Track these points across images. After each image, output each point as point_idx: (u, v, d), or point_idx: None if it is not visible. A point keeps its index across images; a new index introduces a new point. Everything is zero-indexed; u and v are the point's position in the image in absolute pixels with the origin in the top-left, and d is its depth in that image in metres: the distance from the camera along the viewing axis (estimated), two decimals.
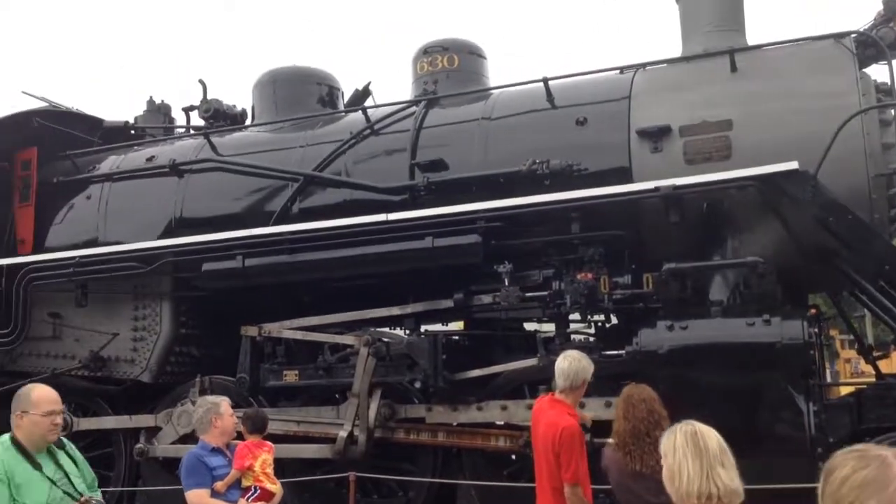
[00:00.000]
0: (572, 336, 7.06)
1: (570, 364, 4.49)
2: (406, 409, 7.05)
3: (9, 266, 8.15)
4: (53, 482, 3.73)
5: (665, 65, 6.87)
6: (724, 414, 5.48)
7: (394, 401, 7.04)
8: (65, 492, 3.75)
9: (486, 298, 6.74)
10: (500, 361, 6.81)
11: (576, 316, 6.79)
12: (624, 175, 6.38)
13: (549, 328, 7.17)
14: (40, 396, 3.83)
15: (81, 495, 3.79)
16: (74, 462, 3.96)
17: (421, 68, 7.81)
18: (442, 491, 7.11)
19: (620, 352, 6.24)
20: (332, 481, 7.25)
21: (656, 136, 6.31)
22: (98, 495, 4.00)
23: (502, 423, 6.82)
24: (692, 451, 2.55)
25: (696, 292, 6.06)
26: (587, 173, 6.44)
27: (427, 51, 7.84)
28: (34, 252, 8.31)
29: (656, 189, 6.06)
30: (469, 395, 6.84)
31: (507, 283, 6.47)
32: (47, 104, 9.31)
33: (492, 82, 7.82)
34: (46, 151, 8.59)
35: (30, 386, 3.94)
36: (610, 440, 4.25)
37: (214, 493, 4.99)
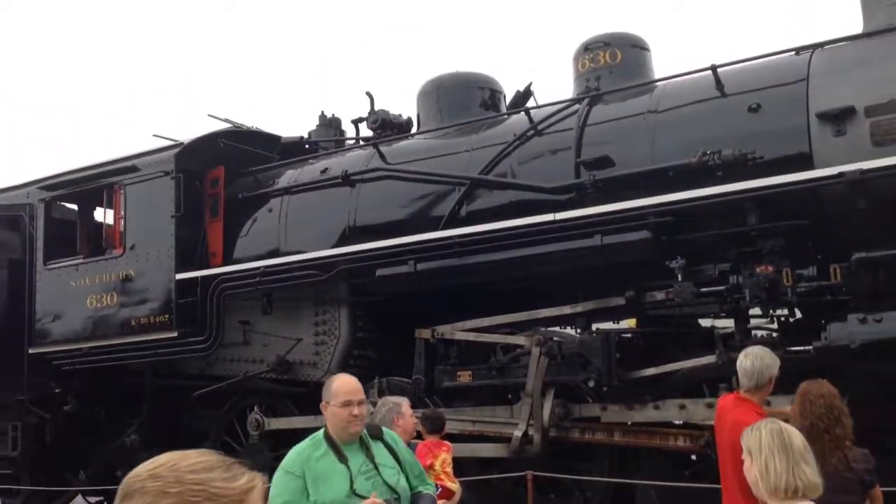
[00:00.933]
0: (753, 332, 6.77)
1: (753, 363, 4.32)
2: (580, 409, 7.02)
3: (203, 277, 8.77)
4: (358, 474, 3.49)
5: (845, 42, 6.46)
6: None
7: (567, 400, 7.03)
8: (374, 483, 3.49)
9: (659, 295, 6.60)
10: (676, 359, 6.63)
11: (755, 311, 6.51)
12: (804, 161, 6.04)
13: (725, 324, 6.92)
14: (339, 386, 3.64)
15: (392, 489, 3.54)
16: (394, 454, 3.72)
17: (582, 65, 7.74)
18: (619, 491, 7.03)
19: (807, 347, 5.93)
20: (509, 480, 7.32)
21: (839, 118, 5.94)
22: (429, 488, 3.78)
23: (680, 422, 6.65)
24: (779, 448, 2.69)
25: (889, 282, 5.69)
26: (763, 162, 6.15)
27: (588, 47, 7.76)
28: (224, 264, 8.88)
29: (841, 175, 5.72)
30: (644, 393, 6.72)
31: (679, 279, 6.32)
32: (231, 125, 9.98)
33: (656, 75, 7.63)
34: (232, 169, 9.17)
35: (333, 376, 3.84)
36: None
37: None
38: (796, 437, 2.74)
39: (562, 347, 7.01)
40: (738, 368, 4.40)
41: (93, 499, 10.93)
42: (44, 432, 9.81)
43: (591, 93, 7.47)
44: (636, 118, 6.92)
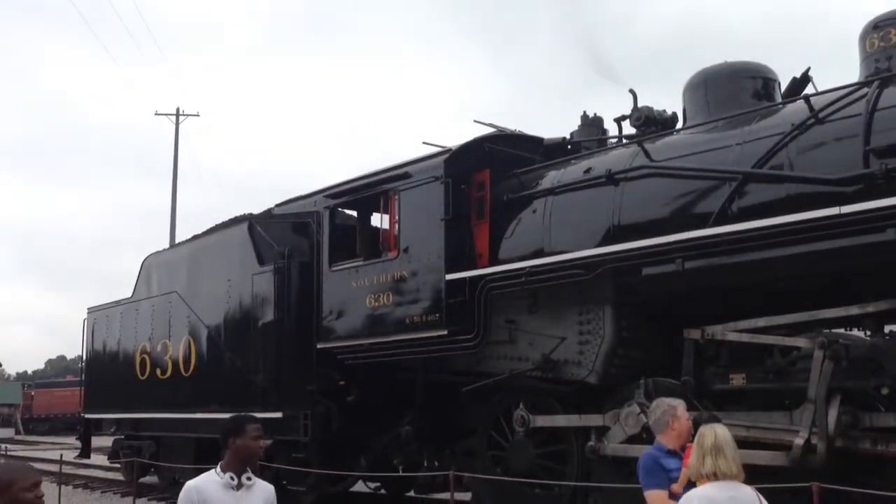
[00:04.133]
0: None
1: None
2: (872, 418, 6.45)
3: (471, 278, 9.11)
4: None
5: None
6: None
7: (856, 408, 6.48)
8: None
9: None
10: None
11: None
12: None
13: None
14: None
15: None
16: None
17: (871, 45, 7.11)
18: None
19: None
20: (789, 492, 6.88)
21: None
22: None
23: None
24: (703, 444, 3.93)
25: None
26: None
27: (877, 25, 7.11)
28: (490, 264, 9.16)
29: None
30: None
31: None
32: (495, 129, 10.32)
33: None
34: (497, 172, 9.46)
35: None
36: None
37: (672, 495, 5.00)
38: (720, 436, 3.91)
39: (849, 351, 6.49)
40: None
41: (371, 484, 11.74)
42: (330, 421, 10.67)
43: (881, 74, 6.85)
44: None
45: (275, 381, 10.98)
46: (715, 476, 3.83)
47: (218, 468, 4.07)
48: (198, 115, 35.33)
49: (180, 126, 34.05)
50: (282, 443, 10.70)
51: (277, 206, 12.36)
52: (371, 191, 10.52)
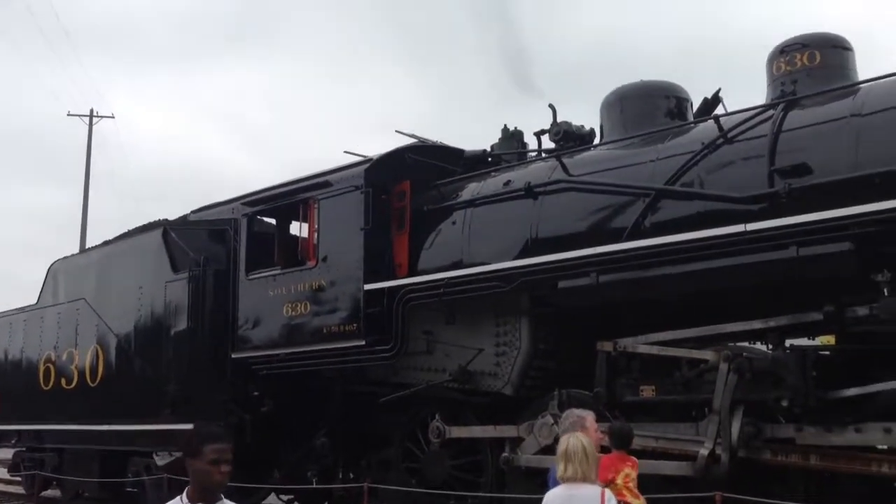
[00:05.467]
0: None
1: None
2: (772, 429, 6.68)
3: (390, 288, 9.08)
4: None
5: None
6: None
7: (758, 419, 6.70)
8: None
9: (862, 310, 6.19)
10: (881, 379, 6.17)
11: None
12: None
13: None
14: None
15: None
16: None
17: (777, 69, 7.40)
18: None
19: None
20: (694, 501, 7.06)
21: None
22: None
23: (885, 447, 6.17)
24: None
25: None
26: None
27: (784, 49, 7.41)
28: (409, 275, 9.15)
29: None
30: (843, 415, 6.30)
31: (886, 294, 5.90)
32: (417, 140, 10.34)
33: (860, 77, 7.17)
34: (417, 182, 9.47)
35: None
36: None
37: None
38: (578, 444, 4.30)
39: (752, 364, 6.71)
40: None
41: (285, 497, 11.55)
42: (243, 433, 10.46)
43: (787, 97, 7.14)
44: (838, 122, 6.54)
45: (186, 392, 10.72)
46: (563, 479, 4.30)
47: (184, 495, 3.19)
48: (112, 117, 34.41)
49: (94, 128, 33.05)
50: None
51: (194, 212, 12.09)
52: (290, 199, 10.40)
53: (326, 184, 9.87)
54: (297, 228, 10.97)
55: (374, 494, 9.53)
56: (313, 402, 10.50)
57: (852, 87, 6.88)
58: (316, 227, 10.04)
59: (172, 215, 12.55)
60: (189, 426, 10.42)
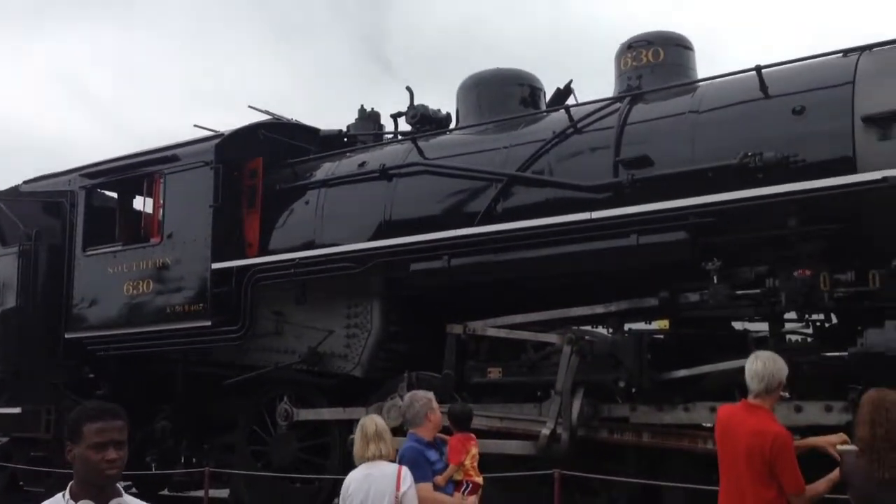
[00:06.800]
0: (787, 336, 6.70)
1: (765, 365, 4.10)
2: (609, 409, 6.98)
3: (238, 267, 8.84)
4: None
5: (894, 45, 6.37)
6: None
7: (597, 400, 6.99)
8: None
9: (693, 297, 6.57)
10: (709, 362, 6.58)
11: (791, 315, 6.44)
12: (847, 165, 5.96)
13: (759, 327, 6.86)
14: None
15: None
16: None
17: (624, 64, 7.73)
18: (646, 493, 6.97)
19: (842, 353, 5.86)
20: (535, 479, 7.29)
21: (885, 122, 5.86)
22: None
23: (711, 425, 6.58)
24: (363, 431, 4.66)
25: None
26: (805, 165, 6.09)
27: (631, 45, 7.74)
28: (259, 254, 8.94)
29: (885, 180, 5.64)
30: (675, 395, 6.67)
31: (715, 281, 6.28)
32: (271, 117, 10.09)
33: (699, 75, 7.59)
34: (270, 160, 9.25)
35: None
36: (847, 447, 3.99)
37: (436, 487, 5.00)
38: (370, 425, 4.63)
39: (593, 347, 6.99)
40: (747, 372, 4.15)
41: (121, 483, 11.06)
42: None
43: (632, 91, 7.45)
44: (677, 118, 6.89)
45: (14, 373, 10.12)
46: (363, 459, 4.54)
47: (66, 491, 2.60)
48: None
49: None
50: (20, 440, 9.86)
51: (26, 182, 11.30)
52: (134, 172, 9.94)
53: (174, 158, 9.49)
54: (142, 204, 10.51)
55: (217, 479, 9.28)
56: (155, 385, 10.09)
57: (692, 85, 7.27)
58: (161, 202, 9.64)
59: (2, 186, 11.70)
60: (16, 410, 9.85)
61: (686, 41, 7.80)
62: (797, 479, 3.94)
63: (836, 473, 3.94)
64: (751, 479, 3.97)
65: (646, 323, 7.78)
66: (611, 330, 7.20)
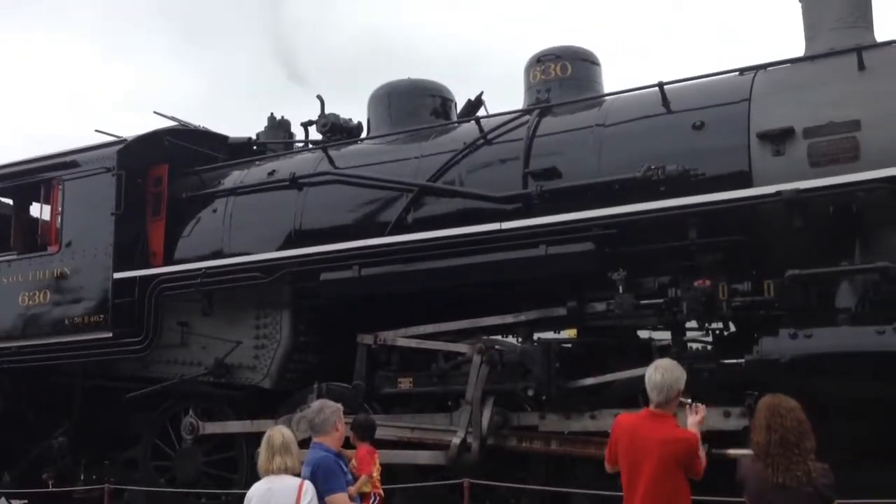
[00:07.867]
0: (689, 344, 6.90)
1: (664, 376, 4.21)
2: (519, 417, 7.06)
3: (142, 277, 8.59)
4: None
5: (788, 65, 6.67)
6: (851, 425, 5.28)
7: (507, 409, 7.05)
8: None
9: (600, 306, 6.70)
10: (614, 370, 6.72)
11: (693, 324, 6.64)
12: (744, 179, 6.21)
13: (663, 336, 7.04)
14: None
15: None
16: None
17: (533, 77, 7.85)
18: (554, 500, 7.06)
19: (739, 360, 6.07)
20: (445, 488, 7.30)
21: (778, 138, 6.13)
22: None
23: None
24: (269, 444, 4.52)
25: (821, 299, 5.87)
26: (704, 178, 6.31)
27: (540, 59, 7.87)
28: (164, 264, 8.72)
29: (778, 193, 5.89)
30: (582, 403, 6.78)
31: (621, 291, 6.42)
32: (177, 123, 9.84)
33: (606, 89, 7.77)
34: (176, 168, 9.02)
35: None
36: (743, 451, 4.14)
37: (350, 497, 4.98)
38: (277, 437, 4.52)
39: (503, 356, 7.05)
40: (647, 383, 4.25)
41: (17, 502, 10.58)
42: None
43: (540, 104, 7.57)
44: (584, 131, 7.03)
45: None
46: (266, 472, 4.48)
47: None
48: None
49: None
50: None
51: None
52: (31, 178, 9.55)
53: (73, 164, 9.17)
54: (39, 211, 10.09)
55: (118, 496, 8.97)
56: (53, 399, 9.68)
57: (598, 99, 7.44)
58: (60, 209, 9.29)
59: None
60: None
61: (593, 56, 7.98)
62: (701, 467, 4.22)
63: (700, 416, 4.39)
64: (662, 479, 4.11)
65: (555, 332, 7.89)
66: (520, 339, 7.28)
